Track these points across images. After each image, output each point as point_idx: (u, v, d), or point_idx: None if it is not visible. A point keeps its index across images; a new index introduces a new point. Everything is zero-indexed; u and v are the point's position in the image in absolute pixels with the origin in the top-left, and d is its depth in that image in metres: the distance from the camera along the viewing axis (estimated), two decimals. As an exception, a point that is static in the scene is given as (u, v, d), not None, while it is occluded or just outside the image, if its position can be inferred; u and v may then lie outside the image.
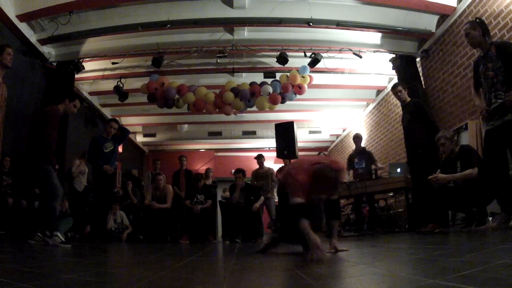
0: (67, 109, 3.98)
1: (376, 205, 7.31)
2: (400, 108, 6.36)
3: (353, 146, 6.72)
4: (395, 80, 7.08)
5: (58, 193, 3.70)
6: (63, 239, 3.66)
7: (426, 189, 3.87)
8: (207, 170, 7.51)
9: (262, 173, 6.73)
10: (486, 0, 4.74)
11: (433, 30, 6.00)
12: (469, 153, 3.55)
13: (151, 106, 7.95)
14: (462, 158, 3.54)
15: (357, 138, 6.49)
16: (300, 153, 6.91)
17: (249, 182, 6.46)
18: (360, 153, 6.30)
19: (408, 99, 4.41)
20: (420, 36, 6.31)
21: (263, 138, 11.20)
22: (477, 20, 3.20)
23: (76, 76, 6.68)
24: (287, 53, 6.21)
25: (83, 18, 5.82)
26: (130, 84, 7.21)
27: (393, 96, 7.51)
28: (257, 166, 6.90)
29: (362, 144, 9.00)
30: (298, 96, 7.04)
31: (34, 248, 3.14)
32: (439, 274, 1.17)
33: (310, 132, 11.20)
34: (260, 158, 6.80)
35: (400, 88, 4.36)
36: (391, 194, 6.71)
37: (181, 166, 7.04)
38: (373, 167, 5.89)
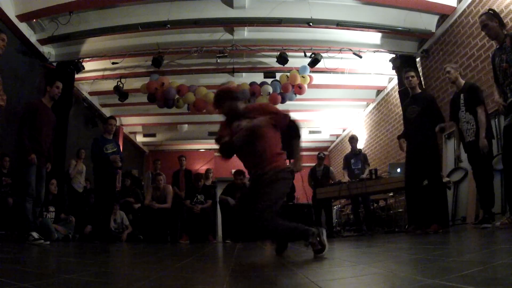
0: (52, 94, 4.11)
1: (376, 205, 7.31)
2: (400, 108, 6.36)
3: (353, 146, 6.74)
4: (395, 80, 7.08)
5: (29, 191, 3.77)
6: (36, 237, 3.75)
7: (430, 189, 3.86)
8: (207, 170, 7.50)
9: None
10: (486, 0, 4.74)
11: (433, 30, 6.00)
12: (475, 90, 3.64)
13: (151, 106, 7.95)
14: (466, 93, 3.67)
15: (353, 139, 6.57)
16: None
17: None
18: (356, 154, 6.39)
19: (419, 89, 4.22)
20: (420, 36, 6.31)
21: (263, 138, 11.17)
22: (491, 11, 3.14)
23: (76, 76, 6.68)
24: (287, 53, 6.21)
25: (83, 18, 5.82)
26: (130, 84, 7.21)
27: (393, 96, 7.58)
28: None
29: (363, 144, 9.05)
30: (298, 96, 7.04)
31: (34, 248, 3.14)
32: (439, 274, 1.17)
33: (310, 132, 11.19)
34: None
35: (413, 73, 4.14)
36: (391, 194, 6.70)
37: (181, 166, 7.04)
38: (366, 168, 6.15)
